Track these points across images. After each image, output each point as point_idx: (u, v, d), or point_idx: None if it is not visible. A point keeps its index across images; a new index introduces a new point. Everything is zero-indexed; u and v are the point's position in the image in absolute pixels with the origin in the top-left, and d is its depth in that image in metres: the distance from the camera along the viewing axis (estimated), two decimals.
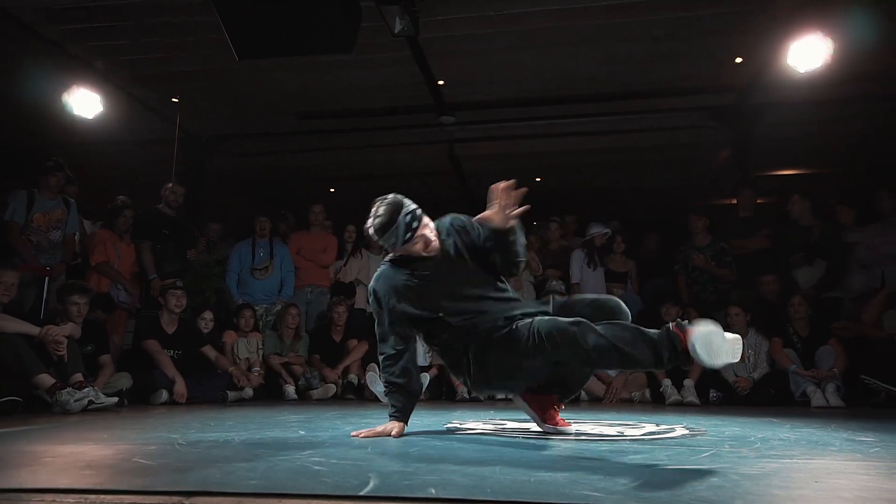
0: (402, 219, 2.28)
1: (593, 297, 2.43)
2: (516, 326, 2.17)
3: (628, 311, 2.30)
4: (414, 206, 2.35)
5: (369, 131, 7.48)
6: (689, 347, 1.89)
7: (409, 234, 2.29)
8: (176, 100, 6.77)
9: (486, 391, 2.47)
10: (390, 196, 2.36)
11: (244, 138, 7.91)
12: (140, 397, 4.44)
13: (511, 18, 5.16)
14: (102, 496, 1.22)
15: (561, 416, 2.52)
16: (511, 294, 2.45)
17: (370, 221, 2.33)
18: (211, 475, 1.46)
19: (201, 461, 1.68)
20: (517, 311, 2.28)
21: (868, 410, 4.16)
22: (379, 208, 2.32)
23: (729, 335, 1.92)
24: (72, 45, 5.63)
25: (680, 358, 1.95)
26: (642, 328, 2.06)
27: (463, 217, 2.55)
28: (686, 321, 2.03)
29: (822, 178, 7.94)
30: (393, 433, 2.26)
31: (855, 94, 6.12)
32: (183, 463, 1.65)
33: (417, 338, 2.51)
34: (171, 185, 5.81)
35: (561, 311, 2.26)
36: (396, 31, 4.91)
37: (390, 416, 2.35)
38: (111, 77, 6.12)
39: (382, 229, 2.30)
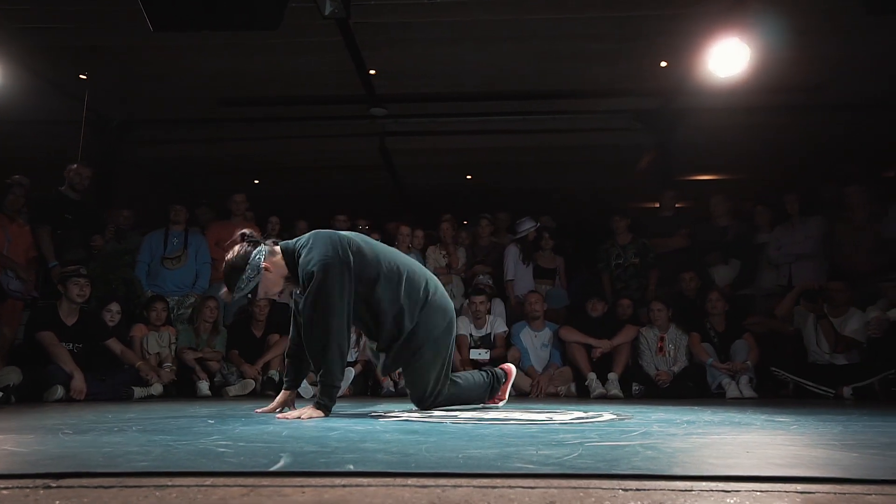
0: (240, 283, 2.48)
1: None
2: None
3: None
4: (258, 266, 2.47)
5: (296, 120, 7.23)
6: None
7: (249, 296, 2.62)
8: (84, 77, 6.27)
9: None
10: (237, 252, 2.48)
11: (161, 123, 7.46)
12: (32, 394, 4.00)
13: (445, 9, 5.09)
14: None
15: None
16: None
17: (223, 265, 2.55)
18: (92, 458, 1.26)
19: (86, 448, 1.47)
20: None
21: (778, 400, 4.35)
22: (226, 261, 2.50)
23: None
24: None
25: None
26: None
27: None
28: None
29: (736, 184, 8.35)
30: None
31: (771, 103, 6.46)
32: (63, 449, 1.44)
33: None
34: (75, 165, 5.34)
35: None
36: (326, 13, 4.72)
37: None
38: (8, 47, 5.57)
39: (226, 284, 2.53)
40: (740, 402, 4.09)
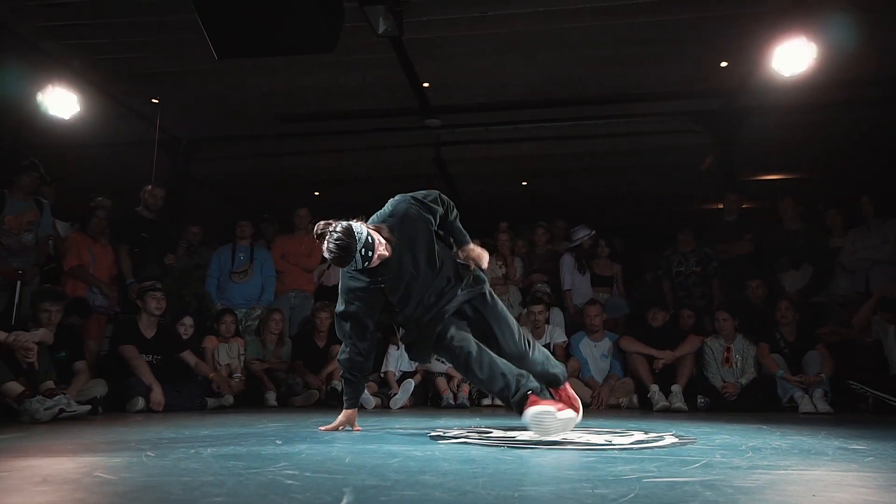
0: (357, 255, 2.41)
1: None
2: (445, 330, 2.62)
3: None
4: (365, 233, 2.43)
5: (353, 134, 7.40)
6: (524, 416, 2.39)
7: (366, 263, 2.46)
8: (156, 101, 6.64)
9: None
10: (340, 229, 2.40)
11: (226, 141, 7.79)
12: (116, 405, 4.29)
13: (496, 21, 5.12)
14: None
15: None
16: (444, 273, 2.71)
17: (327, 252, 2.43)
18: (173, 492, 1.36)
19: (166, 475, 1.58)
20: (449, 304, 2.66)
21: (856, 416, 4.14)
22: (332, 243, 2.40)
23: (561, 415, 2.38)
24: (47, 42, 5.50)
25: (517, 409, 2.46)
26: (518, 373, 2.52)
27: (416, 204, 2.67)
28: (548, 394, 2.66)
29: (807, 183, 7.99)
30: (354, 427, 2.83)
31: (840, 98, 6.16)
32: (147, 478, 1.55)
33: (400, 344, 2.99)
34: (150, 187, 5.68)
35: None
36: (380, 32, 4.85)
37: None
38: (88, 76, 5.98)
39: (341, 263, 2.46)
40: (814, 419, 3.92)
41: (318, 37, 4.36)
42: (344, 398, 2.84)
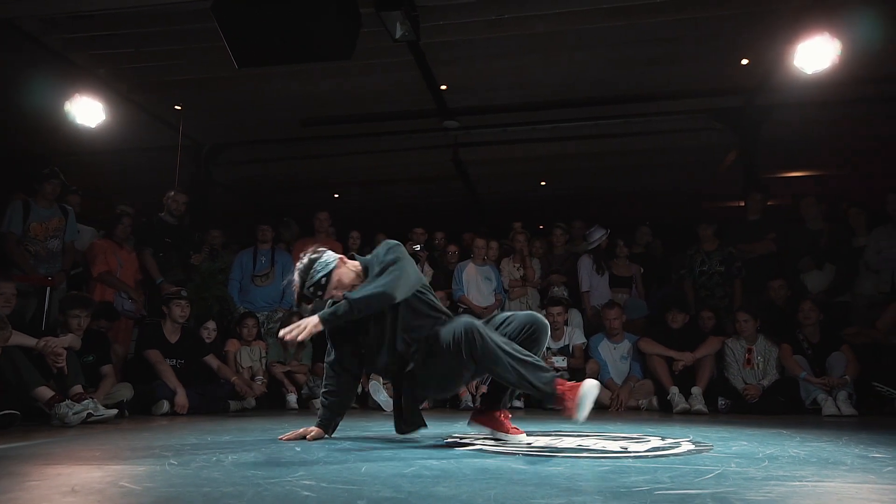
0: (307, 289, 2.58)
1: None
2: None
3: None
4: (321, 273, 2.56)
5: (372, 137, 7.47)
6: (576, 409, 2.24)
7: (320, 292, 2.58)
8: (178, 107, 6.77)
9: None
10: (305, 261, 2.61)
11: (247, 145, 7.92)
12: (142, 408, 4.40)
13: (512, 23, 5.12)
14: None
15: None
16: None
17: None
18: (193, 503, 1.41)
19: (188, 485, 1.63)
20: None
21: (880, 419, 4.07)
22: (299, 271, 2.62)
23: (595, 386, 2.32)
24: (74, 53, 5.64)
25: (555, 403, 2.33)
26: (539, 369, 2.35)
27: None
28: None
29: (833, 180, 7.85)
30: (308, 436, 2.65)
31: (864, 95, 6.05)
32: (169, 488, 1.60)
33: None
34: (172, 193, 5.78)
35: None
36: (397, 37, 4.88)
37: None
38: (114, 85, 6.12)
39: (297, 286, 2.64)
40: (837, 423, 3.87)
41: (336, 44, 4.41)
42: (318, 414, 2.75)
